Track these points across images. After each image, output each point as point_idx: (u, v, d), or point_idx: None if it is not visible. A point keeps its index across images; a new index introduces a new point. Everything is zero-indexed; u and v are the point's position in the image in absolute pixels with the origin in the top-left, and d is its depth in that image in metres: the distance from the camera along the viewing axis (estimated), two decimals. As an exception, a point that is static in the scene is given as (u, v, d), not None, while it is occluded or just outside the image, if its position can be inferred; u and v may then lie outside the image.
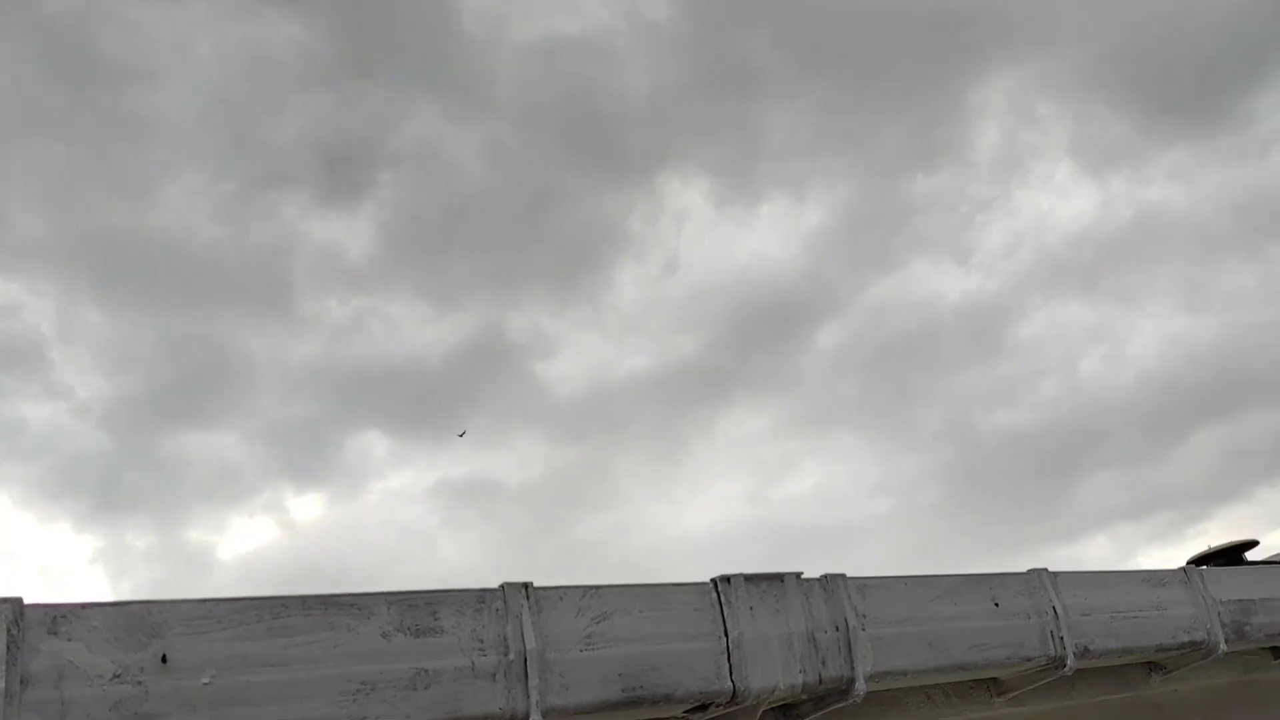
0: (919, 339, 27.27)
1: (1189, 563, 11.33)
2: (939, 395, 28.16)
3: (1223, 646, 5.74)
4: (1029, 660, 5.01)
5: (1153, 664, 5.99)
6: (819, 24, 23.90)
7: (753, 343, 27.31)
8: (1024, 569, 5.26)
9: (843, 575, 4.59)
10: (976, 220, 27.41)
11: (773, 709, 4.58)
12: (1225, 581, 5.97)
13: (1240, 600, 5.95)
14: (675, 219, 26.50)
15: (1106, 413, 27.17)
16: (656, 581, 4.23)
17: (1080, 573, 5.42)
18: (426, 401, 25.13)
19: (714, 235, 27.04)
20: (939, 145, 26.39)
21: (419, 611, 3.55)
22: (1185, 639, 5.68)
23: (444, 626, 3.57)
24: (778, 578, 4.42)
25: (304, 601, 3.35)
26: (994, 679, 5.36)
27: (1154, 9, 24.45)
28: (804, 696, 4.42)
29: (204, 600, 3.21)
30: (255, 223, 22.51)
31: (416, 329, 25.01)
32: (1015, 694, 5.36)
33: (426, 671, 3.48)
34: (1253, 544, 11.21)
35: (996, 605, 4.99)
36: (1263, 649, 6.59)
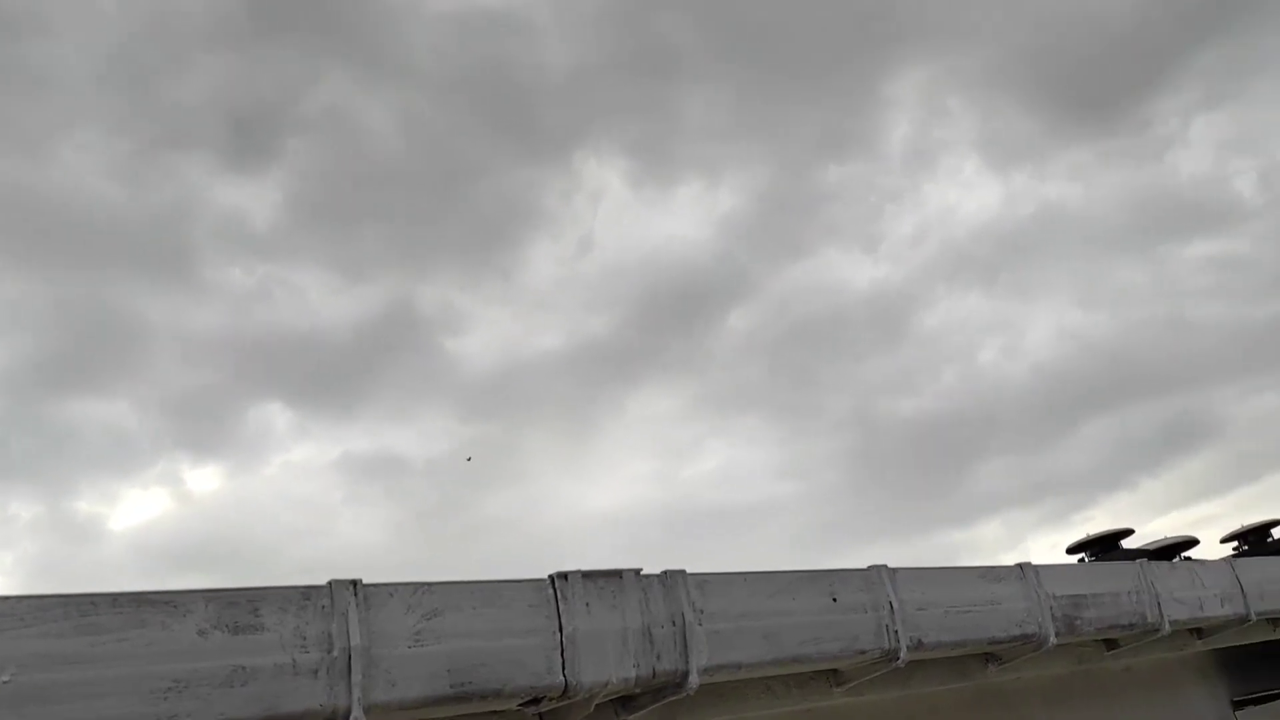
0: (827, 325, 27.84)
1: (1068, 550, 11.89)
2: (844, 380, 28.83)
3: (1053, 639, 6.05)
4: (863, 653, 5.22)
5: (989, 655, 6.30)
6: (738, 10, 24.01)
7: (664, 325, 27.56)
8: (865, 565, 5.47)
9: (682, 571, 4.73)
10: (886, 211, 28.04)
11: (611, 701, 4.71)
12: (1059, 577, 6.28)
13: (1072, 595, 6.28)
14: (591, 198, 26.50)
15: (1002, 402, 28.19)
16: (496, 578, 4.32)
17: (919, 569, 5.65)
18: (332, 374, 24.76)
19: (629, 216, 27.15)
20: (851, 136, 26.88)
21: (239, 609, 3.55)
22: (1018, 632, 5.97)
23: (265, 624, 3.59)
24: (616, 574, 4.53)
25: (115, 599, 3.33)
26: (834, 670, 5.59)
27: (1062, 11, 25.18)
28: (638, 690, 4.55)
29: (6, 597, 3.18)
30: (155, 184, 21.80)
31: (323, 299, 24.60)
32: (853, 684, 5.59)
33: (244, 669, 3.49)
34: (1129, 533, 11.79)
35: (835, 600, 5.19)
36: (1096, 641, 6.97)
